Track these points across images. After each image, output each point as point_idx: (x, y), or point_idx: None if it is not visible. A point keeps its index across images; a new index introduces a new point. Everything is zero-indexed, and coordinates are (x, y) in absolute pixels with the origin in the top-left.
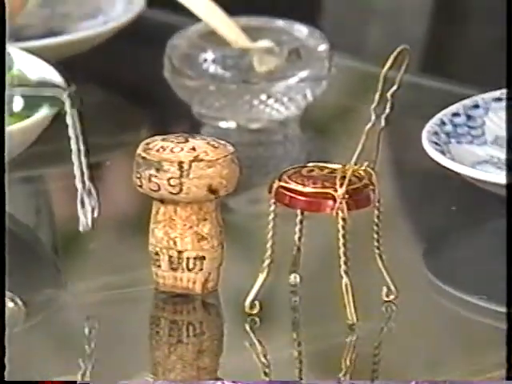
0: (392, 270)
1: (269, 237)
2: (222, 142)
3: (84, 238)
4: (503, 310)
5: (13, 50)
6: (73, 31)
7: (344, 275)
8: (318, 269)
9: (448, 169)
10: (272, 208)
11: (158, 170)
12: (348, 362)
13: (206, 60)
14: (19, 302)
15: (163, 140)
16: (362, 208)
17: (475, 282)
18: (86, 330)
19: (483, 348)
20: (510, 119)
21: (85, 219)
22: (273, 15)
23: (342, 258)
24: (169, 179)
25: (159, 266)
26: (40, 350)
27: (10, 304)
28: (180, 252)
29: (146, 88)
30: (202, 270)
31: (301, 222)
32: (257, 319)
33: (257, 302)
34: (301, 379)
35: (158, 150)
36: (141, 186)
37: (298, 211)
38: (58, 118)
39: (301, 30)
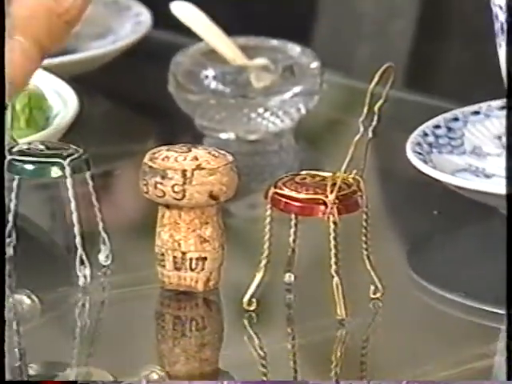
0: (378, 269)
1: (265, 239)
2: (222, 151)
3: (96, 241)
4: (480, 306)
5: None
6: (85, 50)
7: (335, 274)
8: (310, 268)
9: (430, 176)
10: (268, 212)
11: (163, 177)
12: (338, 354)
13: (207, 76)
14: (35, 299)
15: (168, 150)
16: (351, 212)
17: (454, 281)
18: (97, 325)
19: (462, 341)
20: (510, 128)
21: (84, 275)
22: (268, 35)
23: (333, 259)
24: (173, 186)
25: (164, 266)
26: (54, 343)
27: (26, 301)
28: (184, 253)
29: (152, 102)
30: (203, 269)
31: (295, 225)
32: (254, 315)
33: (254, 299)
34: (295, 370)
35: (163, 159)
36: (147, 193)
37: (293, 215)
38: (74, 127)
39: (294, 48)
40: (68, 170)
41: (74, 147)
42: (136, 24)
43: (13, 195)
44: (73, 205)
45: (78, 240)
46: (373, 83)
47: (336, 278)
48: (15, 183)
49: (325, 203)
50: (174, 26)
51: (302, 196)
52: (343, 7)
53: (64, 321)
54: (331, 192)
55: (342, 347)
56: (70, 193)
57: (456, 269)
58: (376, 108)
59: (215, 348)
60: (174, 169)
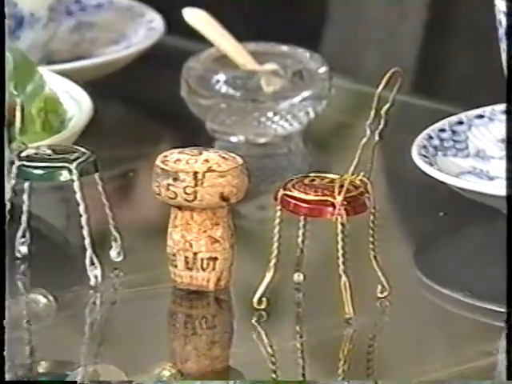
0: (385, 269)
1: (275, 239)
2: (233, 154)
3: (109, 240)
4: (484, 305)
5: (45, 71)
6: (99, 55)
7: (342, 274)
8: (319, 268)
9: (435, 179)
10: (278, 214)
11: (175, 179)
12: (346, 352)
13: (218, 81)
14: (51, 298)
15: (180, 153)
16: (359, 214)
17: (459, 280)
18: (110, 323)
19: (466, 339)
20: (510, 132)
21: (94, 276)
22: (278, 41)
23: (341, 259)
24: (185, 188)
25: (176, 266)
26: (68, 340)
27: (42, 300)
28: (195, 253)
29: (164, 106)
30: (214, 269)
31: (304, 226)
32: (264, 313)
33: (264, 298)
34: (304, 368)
35: (174, 162)
36: (159, 194)
37: (301, 217)
38: (89, 130)
39: (303, 54)
40: (75, 174)
41: (81, 150)
42: (149, 30)
43: (25, 197)
44: (81, 207)
45: (87, 241)
46: (380, 87)
47: (344, 278)
48: (26, 185)
49: (333, 205)
50: (186, 32)
51: (310, 198)
52: (353, 14)
53: (78, 319)
54: (339, 194)
55: (350, 345)
56: (78, 195)
57: (460, 268)
58: (383, 112)
59: (226, 346)
60: (186, 171)
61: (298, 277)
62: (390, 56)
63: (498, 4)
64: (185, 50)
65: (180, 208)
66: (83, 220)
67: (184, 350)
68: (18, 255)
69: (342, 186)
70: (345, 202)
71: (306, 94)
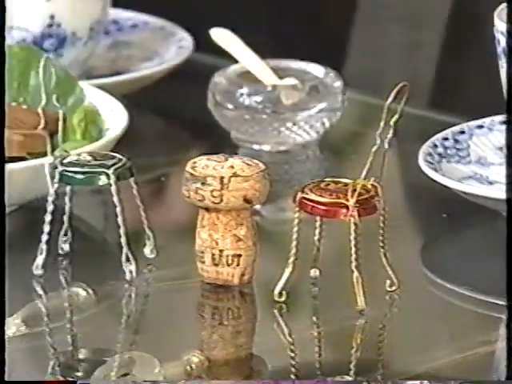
0: (394, 265)
1: (293, 238)
2: (255, 161)
3: (142, 240)
4: (485, 298)
5: (85, 85)
6: (134, 71)
7: (355, 270)
8: (333, 264)
9: (439, 183)
10: (296, 215)
11: (202, 183)
12: (358, 341)
13: (242, 94)
14: (90, 291)
15: (207, 159)
16: (370, 215)
17: (462, 275)
18: (144, 314)
19: (468, 329)
20: (509, 141)
21: (130, 271)
22: (297, 58)
23: (354, 256)
24: (212, 191)
25: (204, 262)
26: (106, 329)
27: (82, 293)
28: (221, 251)
29: (193, 117)
30: (239, 265)
31: (320, 226)
32: (284, 305)
33: (284, 292)
34: (320, 355)
35: (203, 168)
36: (188, 197)
37: (318, 218)
38: (125, 139)
39: (319, 70)
40: (113, 178)
41: (118, 156)
42: (180, 48)
43: (66, 199)
44: (118, 209)
45: (123, 240)
46: (389, 100)
47: (356, 273)
48: (68, 189)
49: (346, 207)
50: (213, 49)
51: (326, 200)
52: (372, 38)
53: (114, 311)
54: (352, 197)
55: (362, 334)
56: (115, 198)
57: (463, 265)
58: (392, 122)
59: (249, 335)
60: (213, 176)
61: (314, 272)
62: (399, 70)
63: (497, 24)
64: (212, 66)
65: (207, 210)
66: (120, 220)
67: (211, 338)
68: (61, 252)
69: (354, 190)
70: (357, 205)
71: (322, 106)
